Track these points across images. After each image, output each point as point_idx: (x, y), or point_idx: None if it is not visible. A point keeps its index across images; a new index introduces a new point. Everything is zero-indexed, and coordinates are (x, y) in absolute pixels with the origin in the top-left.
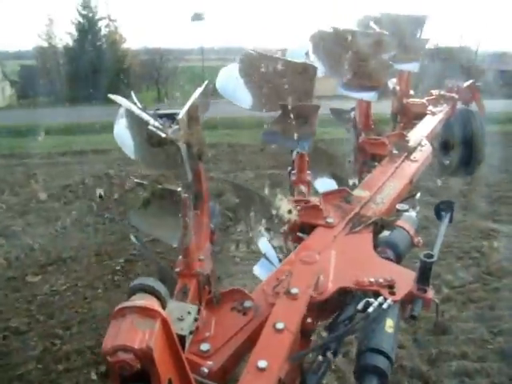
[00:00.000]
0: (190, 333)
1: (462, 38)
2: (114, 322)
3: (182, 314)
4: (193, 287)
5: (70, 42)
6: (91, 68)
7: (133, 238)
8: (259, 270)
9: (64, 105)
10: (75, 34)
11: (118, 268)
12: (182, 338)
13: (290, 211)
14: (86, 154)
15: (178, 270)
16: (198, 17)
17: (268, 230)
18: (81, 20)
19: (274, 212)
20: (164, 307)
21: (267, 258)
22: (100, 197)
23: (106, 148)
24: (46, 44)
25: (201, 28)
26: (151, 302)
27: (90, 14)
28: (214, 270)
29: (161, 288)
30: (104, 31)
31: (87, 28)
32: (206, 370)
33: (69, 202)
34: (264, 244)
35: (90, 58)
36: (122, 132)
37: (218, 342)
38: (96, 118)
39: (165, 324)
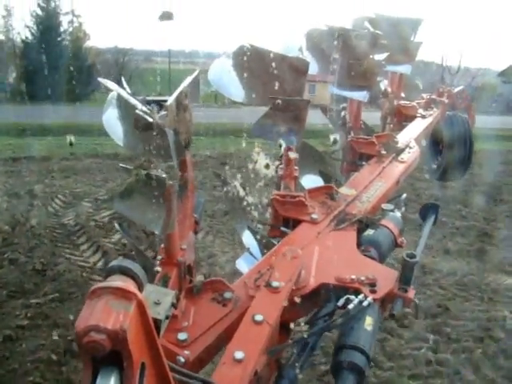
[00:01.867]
0: (167, 317)
1: (443, 55)
2: (89, 303)
3: (159, 298)
4: (173, 276)
5: (29, 36)
6: (49, 64)
7: (117, 226)
8: (242, 264)
9: (18, 102)
10: (34, 27)
11: None
12: (157, 323)
13: (267, 166)
14: (20, 161)
15: (159, 258)
16: (166, 16)
17: (253, 223)
18: (39, 13)
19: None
20: (141, 290)
21: (250, 253)
22: (70, 144)
23: (46, 155)
24: (2, 37)
25: (169, 28)
26: (127, 284)
27: (51, 6)
28: (195, 261)
29: (138, 270)
30: (67, 27)
31: (47, 22)
32: (182, 360)
33: None
34: (248, 238)
35: (49, 54)
36: (110, 119)
37: (195, 332)
38: (48, 119)
39: (140, 306)
